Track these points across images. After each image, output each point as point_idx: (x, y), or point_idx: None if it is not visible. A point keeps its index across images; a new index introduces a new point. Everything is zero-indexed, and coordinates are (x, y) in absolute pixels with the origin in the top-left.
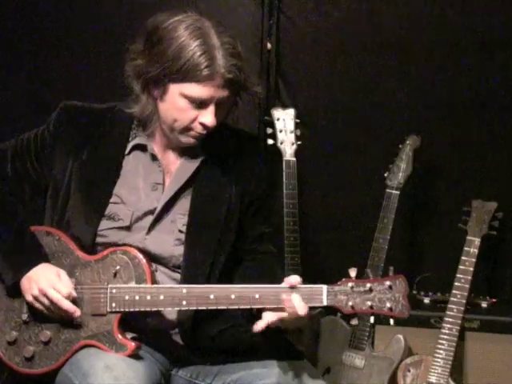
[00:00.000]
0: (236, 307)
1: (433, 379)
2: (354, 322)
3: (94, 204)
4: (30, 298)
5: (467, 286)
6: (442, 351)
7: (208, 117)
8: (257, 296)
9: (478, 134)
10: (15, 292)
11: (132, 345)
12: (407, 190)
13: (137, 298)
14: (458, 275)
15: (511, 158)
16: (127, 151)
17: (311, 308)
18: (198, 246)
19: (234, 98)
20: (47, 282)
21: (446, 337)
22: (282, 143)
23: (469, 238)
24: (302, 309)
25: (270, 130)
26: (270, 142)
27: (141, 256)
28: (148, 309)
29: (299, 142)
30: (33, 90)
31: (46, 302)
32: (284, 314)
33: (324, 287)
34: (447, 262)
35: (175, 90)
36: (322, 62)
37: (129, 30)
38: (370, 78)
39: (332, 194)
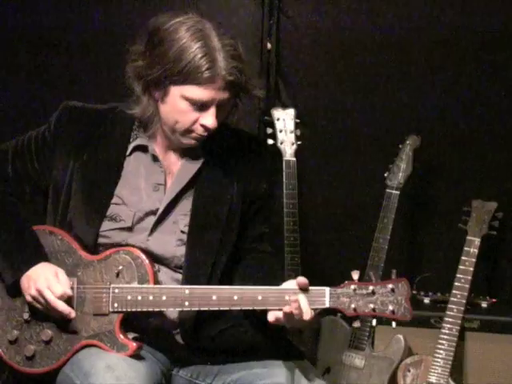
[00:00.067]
0: (238, 308)
1: (433, 379)
2: (356, 324)
3: (95, 205)
4: (29, 298)
5: (467, 286)
6: (442, 351)
7: (209, 119)
8: (259, 297)
9: (478, 134)
10: (15, 291)
11: (133, 345)
12: (407, 190)
13: (139, 298)
14: (457, 275)
15: (511, 158)
16: (128, 152)
17: (314, 310)
18: (200, 247)
19: (235, 99)
20: (44, 282)
21: (446, 337)
22: (282, 143)
23: (469, 237)
24: (308, 313)
25: (270, 130)
26: (270, 141)
27: (143, 256)
28: (150, 309)
29: (299, 142)
30: (34, 90)
31: (43, 302)
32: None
33: (327, 289)
34: (447, 262)
35: (176, 92)
36: (322, 61)
37: (129, 31)
38: (370, 78)
39: (332, 194)
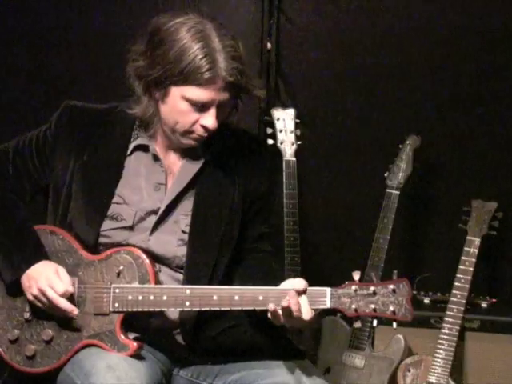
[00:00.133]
0: (239, 308)
1: (433, 379)
2: (357, 324)
3: (96, 204)
4: (30, 297)
5: (467, 286)
6: (441, 351)
7: (209, 119)
8: (260, 298)
9: (478, 134)
10: (15, 290)
11: (134, 345)
12: (407, 190)
13: (140, 298)
14: (457, 275)
15: (511, 158)
16: (129, 152)
17: (315, 310)
18: (201, 247)
19: (235, 100)
20: (45, 281)
21: (446, 337)
22: (282, 143)
23: (469, 237)
24: (308, 313)
25: (270, 130)
26: (270, 141)
27: (144, 256)
28: (151, 309)
29: (299, 142)
30: (34, 90)
31: (45, 301)
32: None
33: (328, 290)
34: (447, 262)
35: (176, 92)
36: (322, 62)
37: (130, 31)
38: (370, 78)
39: (332, 194)
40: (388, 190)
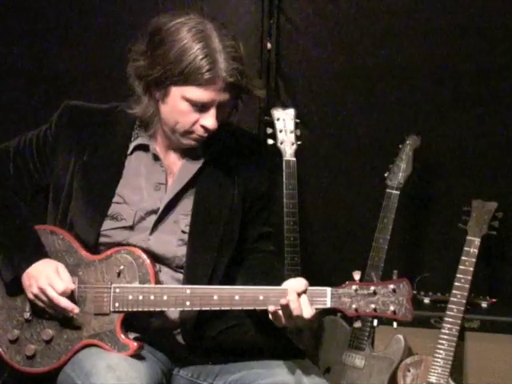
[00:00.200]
0: (239, 308)
1: (433, 379)
2: (358, 324)
3: (96, 204)
4: (31, 296)
5: (467, 286)
6: (441, 351)
7: (209, 120)
8: (261, 297)
9: (478, 134)
10: (15, 289)
11: (134, 345)
12: (407, 190)
13: (140, 297)
14: (457, 275)
15: (511, 158)
16: (129, 151)
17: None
18: (201, 247)
19: (235, 100)
20: (46, 280)
21: (446, 337)
22: (282, 143)
23: (469, 238)
24: (308, 312)
25: (270, 130)
26: (270, 141)
27: (145, 256)
28: (151, 309)
29: (299, 142)
30: (34, 90)
31: (45, 300)
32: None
33: (328, 289)
34: (447, 261)
35: (177, 92)
36: (322, 61)
37: (131, 30)
38: (370, 78)
39: (332, 194)
40: (388, 190)
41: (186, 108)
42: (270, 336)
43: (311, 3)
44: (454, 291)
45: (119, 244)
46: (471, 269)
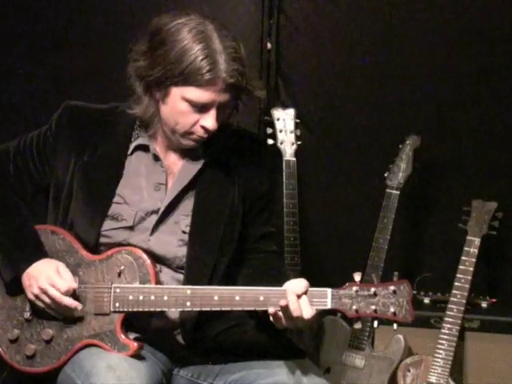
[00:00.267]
0: (240, 309)
1: (433, 379)
2: (358, 325)
3: (96, 204)
4: (31, 296)
5: (467, 286)
6: (442, 351)
7: (209, 120)
8: (261, 298)
9: (477, 134)
10: (15, 289)
11: (134, 345)
12: (407, 190)
13: (141, 298)
14: (457, 275)
15: (511, 158)
16: (129, 151)
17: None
18: (201, 247)
19: (236, 101)
20: (46, 280)
21: (446, 337)
22: (282, 143)
23: (469, 237)
24: (308, 312)
25: (270, 130)
26: (270, 141)
27: (145, 256)
28: (152, 309)
29: (299, 142)
30: (34, 90)
31: (47, 300)
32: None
33: (329, 290)
34: (447, 261)
35: (177, 93)
36: (322, 62)
37: (131, 31)
38: (370, 78)
39: (332, 194)
40: (388, 190)
41: (186, 108)
42: (270, 336)
43: (311, 3)
44: (453, 291)
45: (119, 244)
46: (471, 269)
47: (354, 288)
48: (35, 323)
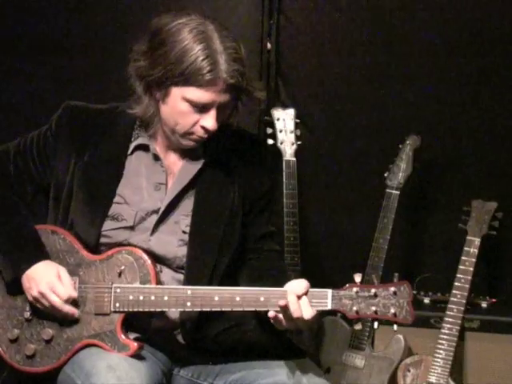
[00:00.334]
0: (240, 309)
1: (433, 379)
2: (358, 326)
3: (97, 204)
4: (30, 298)
5: (467, 286)
6: (442, 351)
7: (209, 121)
8: (262, 299)
9: (477, 134)
10: (16, 289)
11: (134, 345)
12: (407, 190)
13: (141, 298)
14: (458, 275)
15: (511, 158)
16: (129, 151)
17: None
18: (201, 247)
19: (236, 102)
20: (47, 285)
21: (445, 337)
22: (282, 143)
23: (469, 238)
24: (309, 313)
25: (270, 130)
26: (270, 141)
27: (146, 257)
28: (152, 309)
29: (299, 142)
30: (34, 90)
31: (46, 303)
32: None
33: (329, 291)
34: (447, 261)
35: (177, 93)
36: (322, 62)
37: (131, 30)
38: (370, 78)
39: (332, 194)
40: (388, 190)
41: (187, 109)
42: (270, 336)
43: (311, 3)
44: (453, 291)
45: (120, 244)
46: (471, 269)
47: (355, 289)
48: (35, 323)
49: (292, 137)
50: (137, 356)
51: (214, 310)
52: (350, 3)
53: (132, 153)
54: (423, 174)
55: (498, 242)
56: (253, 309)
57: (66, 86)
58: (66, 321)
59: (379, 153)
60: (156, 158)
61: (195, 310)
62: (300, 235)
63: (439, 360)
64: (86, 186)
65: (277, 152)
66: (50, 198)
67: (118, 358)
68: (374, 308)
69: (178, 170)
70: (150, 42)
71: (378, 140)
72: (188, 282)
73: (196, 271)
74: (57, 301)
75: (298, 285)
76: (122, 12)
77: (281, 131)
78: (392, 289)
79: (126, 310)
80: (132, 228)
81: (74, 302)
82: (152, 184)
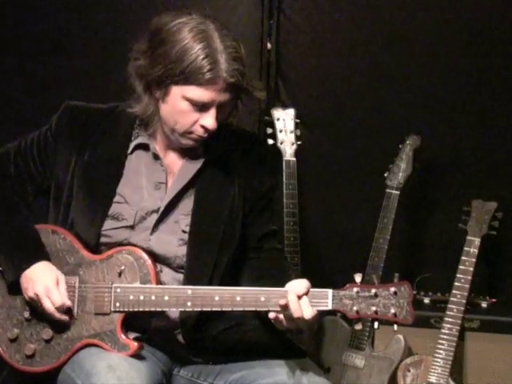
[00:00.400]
0: (241, 309)
1: (433, 379)
2: (358, 326)
3: (97, 204)
4: (27, 298)
5: (467, 286)
6: (442, 351)
7: (209, 120)
8: (262, 298)
9: (477, 134)
10: (16, 289)
11: (134, 345)
12: (407, 190)
13: (141, 298)
14: (458, 275)
15: (511, 157)
16: (129, 150)
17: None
18: (201, 247)
19: (236, 101)
20: (43, 290)
21: (446, 337)
22: (282, 143)
23: (469, 238)
24: (309, 312)
25: (270, 130)
26: (270, 141)
27: (146, 257)
28: (152, 309)
29: (299, 142)
30: (34, 90)
31: (39, 306)
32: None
33: (330, 291)
34: (447, 261)
35: (177, 92)
36: (322, 61)
37: (131, 30)
38: (370, 78)
39: (332, 194)
40: (388, 190)
41: (186, 108)
42: (270, 336)
43: (311, 3)
44: (453, 291)
45: (120, 244)
46: (471, 269)
47: (355, 289)
48: (35, 323)
49: (292, 137)
50: (137, 356)
51: (214, 309)
52: (349, 3)
53: (132, 152)
54: (423, 174)
55: (498, 242)
56: (253, 309)
57: (66, 86)
58: (66, 320)
59: (379, 153)
60: (156, 157)
61: (195, 309)
62: (300, 235)
63: (439, 360)
64: (86, 185)
65: (277, 152)
66: (51, 198)
67: (118, 357)
68: (374, 308)
69: (178, 169)
70: (150, 41)
71: (378, 140)
72: (188, 281)
73: (196, 271)
74: (50, 307)
75: (298, 284)
76: (122, 12)
77: (281, 131)
78: (392, 289)
79: (126, 309)
80: (132, 227)
81: (67, 310)
82: (152, 183)
